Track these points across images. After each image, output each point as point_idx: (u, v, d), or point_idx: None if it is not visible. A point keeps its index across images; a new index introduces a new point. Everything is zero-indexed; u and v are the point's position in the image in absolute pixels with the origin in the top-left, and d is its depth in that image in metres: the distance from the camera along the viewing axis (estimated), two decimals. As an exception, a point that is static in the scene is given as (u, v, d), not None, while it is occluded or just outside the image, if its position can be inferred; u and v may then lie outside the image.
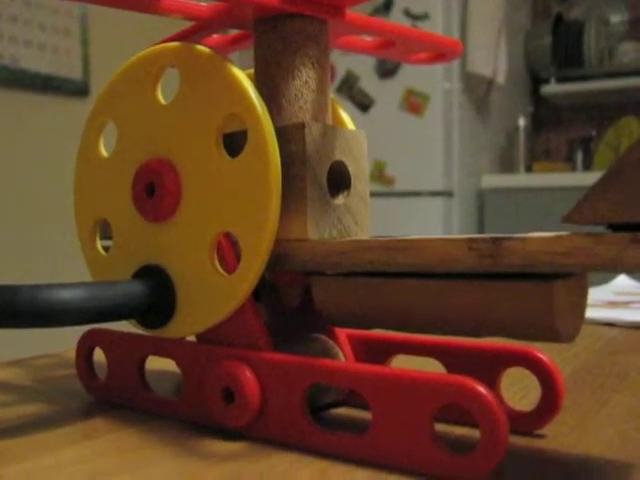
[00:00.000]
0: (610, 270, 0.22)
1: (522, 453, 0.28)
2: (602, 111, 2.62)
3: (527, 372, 0.31)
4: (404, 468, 0.25)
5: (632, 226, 0.22)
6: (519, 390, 0.36)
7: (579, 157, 2.54)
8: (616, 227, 0.22)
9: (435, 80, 2.09)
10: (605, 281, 0.91)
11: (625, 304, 0.73)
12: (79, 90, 2.28)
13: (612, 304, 0.73)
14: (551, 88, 2.55)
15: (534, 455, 0.28)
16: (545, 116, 2.75)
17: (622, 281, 0.91)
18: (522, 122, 2.46)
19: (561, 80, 2.54)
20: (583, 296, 0.26)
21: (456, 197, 2.16)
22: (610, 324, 0.64)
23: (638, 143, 0.22)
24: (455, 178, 2.16)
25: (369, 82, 2.20)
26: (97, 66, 2.30)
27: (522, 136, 2.46)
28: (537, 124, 2.74)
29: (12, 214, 2.01)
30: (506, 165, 2.51)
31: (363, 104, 2.23)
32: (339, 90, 2.21)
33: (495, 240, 0.24)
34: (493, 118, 2.42)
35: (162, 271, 0.32)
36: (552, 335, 0.24)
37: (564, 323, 0.24)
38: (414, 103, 2.13)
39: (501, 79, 2.27)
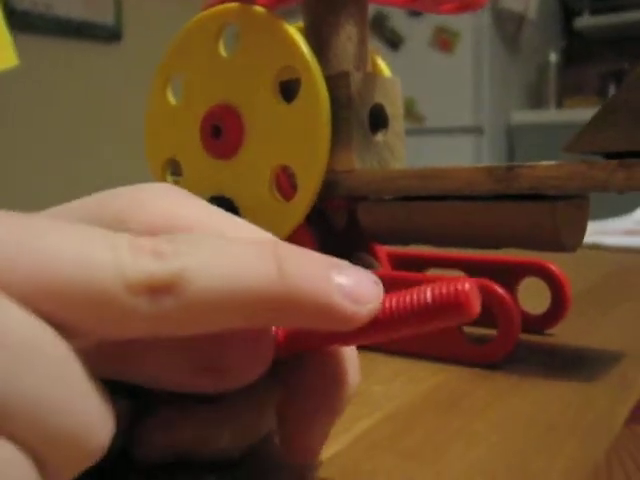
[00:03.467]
0: (602, 190, 0.27)
1: (533, 346, 0.34)
2: (636, 43, 2.59)
3: (541, 287, 0.36)
4: (434, 356, 0.31)
5: (621, 154, 0.27)
6: (533, 301, 0.42)
7: (611, 91, 2.53)
8: (608, 155, 0.27)
9: (465, 17, 2.09)
10: (628, 212, 0.95)
11: (643, 232, 0.77)
12: (112, 35, 2.31)
13: (630, 232, 0.77)
14: (584, 21, 2.52)
15: (543, 347, 0.34)
16: (577, 50, 2.72)
17: (644, 212, 0.95)
18: (553, 57, 2.45)
19: (595, 12, 2.50)
20: (584, 215, 0.31)
21: (486, 134, 2.19)
22: (627, 250, 0.68)
23: (627, 85, 0.27)
24: (485, 115, 2.18)
25: (399, 20, 2.21)
26: (129, 11, 2.33)
27: (553, 71, 2.45)
28: (569, 58, 2.72)
29: (54, 154, 2.08)
30: (536, 101, 2.51)
31: (393, 42, 2.24)
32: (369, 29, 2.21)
33: (509, 167, 0.29)
34: (524, 53, 2.41)
35: (228, 201, 0.37)
36: (557, 245, 0.30)
37: (567, 236, 0.30)
38: (444, 40, 2.14)
39: (532, 14, 2.26)
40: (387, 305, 0.16)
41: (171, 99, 0.41)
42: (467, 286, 0.15)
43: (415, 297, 0.16)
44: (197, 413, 0.18)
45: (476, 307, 0.16)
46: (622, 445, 0.22)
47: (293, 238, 0.36)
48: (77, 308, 0.13)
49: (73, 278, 0.13)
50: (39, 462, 0.12)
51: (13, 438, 0.12)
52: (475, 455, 0.22)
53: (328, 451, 0.22)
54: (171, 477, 0.19)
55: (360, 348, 0.33)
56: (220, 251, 0.14)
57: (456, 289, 0.15)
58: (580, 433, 0.23)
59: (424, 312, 0.16)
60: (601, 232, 0.76)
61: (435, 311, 0.16)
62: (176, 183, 0.42)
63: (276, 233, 0.36)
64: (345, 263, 0.16)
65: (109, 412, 0.14)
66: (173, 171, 0.42)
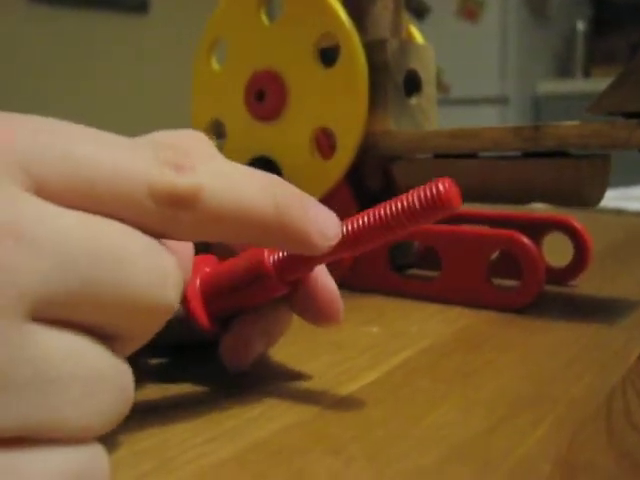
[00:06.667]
0: (624, 148, 0.30)
1: (556, 295, 0.36)
2: (666, 11, 2.55)
3: (564, 244, 0.38)
4: (465, 301, 0.34)
5: (640, 114, 0.29)
6: (556, 255, 0.44)
7: (640, 60, 2.49)
8: (628, 115, 0.30)
9: (492, -15, 2.08)
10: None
11: (667, 198, 0.79)
12: (139, 6, 2.32)
13: (655, 198, 0.79)
14: (613, -12, 2.49)
15: (565, 296, 0.36)
16: (606, 18, 2.68)
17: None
18: (581, 26, 2.43)
19: (624, -21, 2.47)
20: (605, 172, 0.33)
21: (512, 104, 2.18)
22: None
23: (647, 49, 0.29)
24: (511, 84, 2.17)
25: (425, -11, 2.20)
26: (157, -19, 2.33)
27: (580, 40, 2.43)
28: (598, 27, 2.68)
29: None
30: (563, 70, 2.50)
31: (419, 12, 2.23)
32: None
33: (536, 127, 0.31)
34: (550, 22, 2.39)
35: (271, 161, 0.40)
36: (580, 200, 0.32)
37: (589, 191, 0.32)
38: (470, 9, 2.13)
39: (560, -19, 2.24)
40: (382, 212, 0.19)
41: (215, 64, 0.44)
42: (447, 185, 0.19)
43: (405, 203, 0.19)
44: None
45: (458, 200, 0.19)
46: (636, 374, 0.25)
47: (333, 196, 0.38)
48: (111, 205, 0.15)
49: (109, 182, 0.15)
50: (112, 338, 0.15)
51: (78, 324, 0.14)
52: (501, 382, 0.24)
53: (369, 377, 0.25)
54: None
55: (396, 296, 0.36)
56: (233, 177, 0.17)
57: (438, 190, 0.19)
58: (597, 365, 0.26)
59: (415, 215, 0.19)
60: (624, 198, 0.78)
61: (425, 212, 0.19)
62: (220, 145, 0.44)
63: (316, 191, 0.39)
64: (319, 204, 0.20)
65: (178, 271, 0.16)
66: (217, 134, 0.45)
